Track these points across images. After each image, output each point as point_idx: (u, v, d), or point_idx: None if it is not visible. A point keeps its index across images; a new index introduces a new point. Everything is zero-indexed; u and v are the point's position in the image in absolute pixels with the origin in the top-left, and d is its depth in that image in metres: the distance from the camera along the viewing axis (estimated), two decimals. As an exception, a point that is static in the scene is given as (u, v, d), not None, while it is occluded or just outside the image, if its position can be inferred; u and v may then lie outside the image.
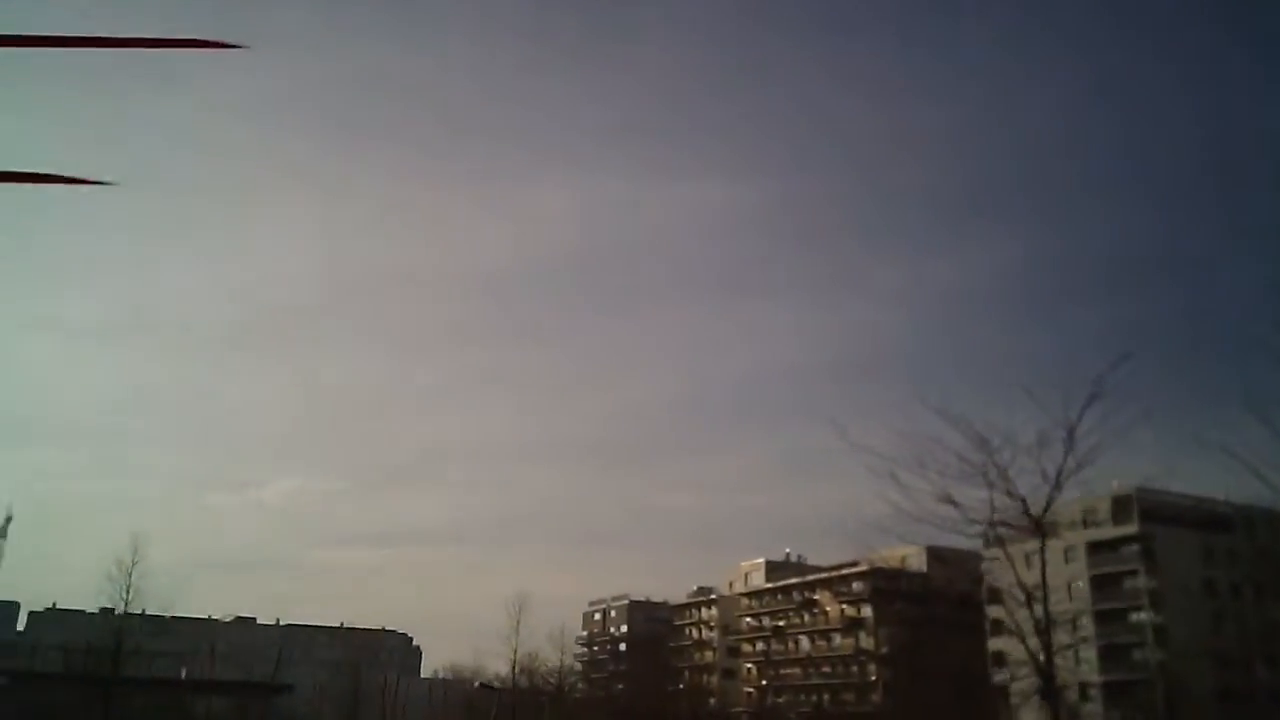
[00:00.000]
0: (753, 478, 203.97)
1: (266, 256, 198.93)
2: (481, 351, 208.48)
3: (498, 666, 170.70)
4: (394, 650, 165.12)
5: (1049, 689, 18.78)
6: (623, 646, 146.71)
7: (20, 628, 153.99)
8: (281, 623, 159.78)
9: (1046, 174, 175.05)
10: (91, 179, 2.76)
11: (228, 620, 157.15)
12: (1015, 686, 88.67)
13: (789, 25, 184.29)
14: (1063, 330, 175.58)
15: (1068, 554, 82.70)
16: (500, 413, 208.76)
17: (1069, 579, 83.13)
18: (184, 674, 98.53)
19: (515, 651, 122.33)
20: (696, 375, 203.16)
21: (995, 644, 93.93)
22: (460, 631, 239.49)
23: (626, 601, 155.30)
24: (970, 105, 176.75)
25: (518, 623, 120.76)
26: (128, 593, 62.83)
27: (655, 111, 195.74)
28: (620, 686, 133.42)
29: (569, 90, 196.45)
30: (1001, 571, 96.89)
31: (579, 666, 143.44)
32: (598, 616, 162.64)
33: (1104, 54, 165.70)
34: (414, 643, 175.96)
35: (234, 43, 2.64)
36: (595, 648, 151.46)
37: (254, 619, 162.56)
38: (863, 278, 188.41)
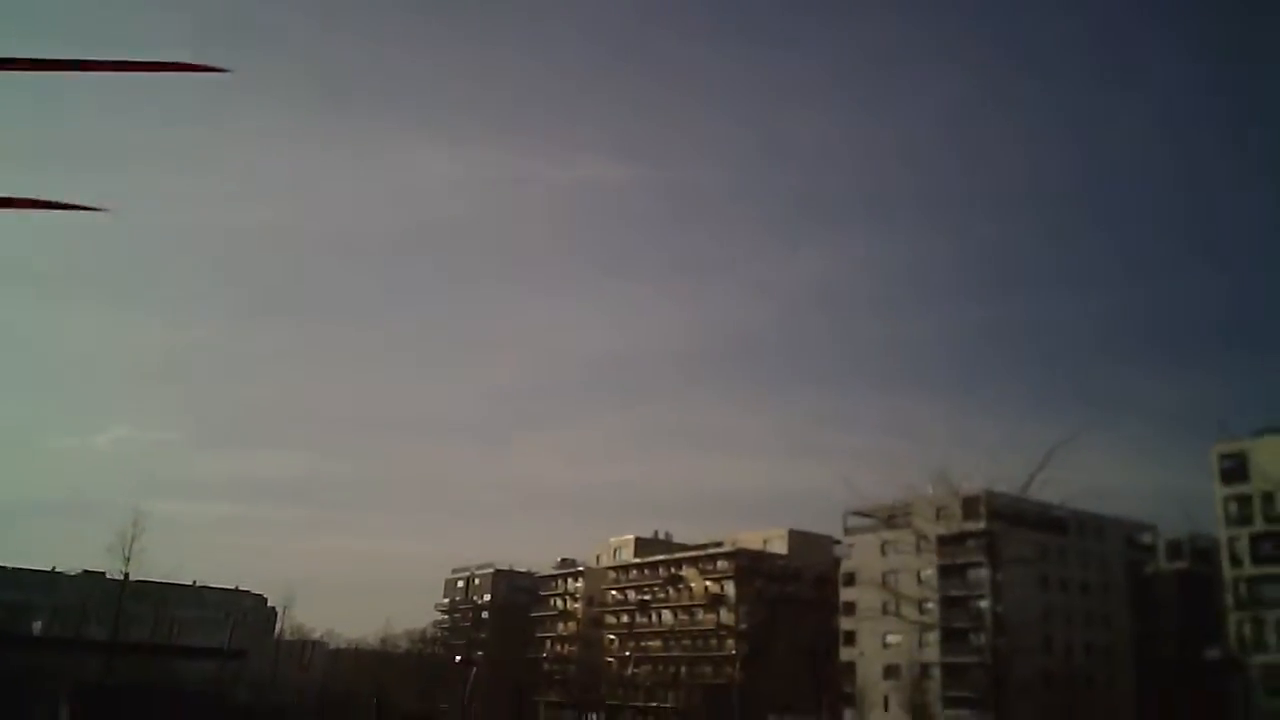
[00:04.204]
0: (615, 453, 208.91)
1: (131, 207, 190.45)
2: (341, 316, 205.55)
3: (350, 630, 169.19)
4: (248, 610, 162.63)
5: (993, 688, 21.70)
6: (485, 614, 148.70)
7: None
8: (132, 578, 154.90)
9: (922, 180, 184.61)
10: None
11: (74, 574, 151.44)
12: (861, 664, 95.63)
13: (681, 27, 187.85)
14: (922, 324, 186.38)
15: (920, 545, 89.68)
16: (361, 381, 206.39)
17: (919, 567, 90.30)
18: (37, 629, 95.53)
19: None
20: (561, 353, 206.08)
21: (846, 624, 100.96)
22: (306, 592, 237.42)
23: (491, 570, 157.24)
24: (846, 113, 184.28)
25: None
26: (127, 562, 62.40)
27: (546, 89, 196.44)
28: (480, 653, 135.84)
29: (437, 63, 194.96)
30: (859, 555, 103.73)
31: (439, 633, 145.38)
32: (460, 584, 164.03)
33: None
34: (269, 603, 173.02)
35: (218, 67, 2.60)
36: (457, 614, 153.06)
37: (103, 573, 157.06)
38: (732, 266, 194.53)
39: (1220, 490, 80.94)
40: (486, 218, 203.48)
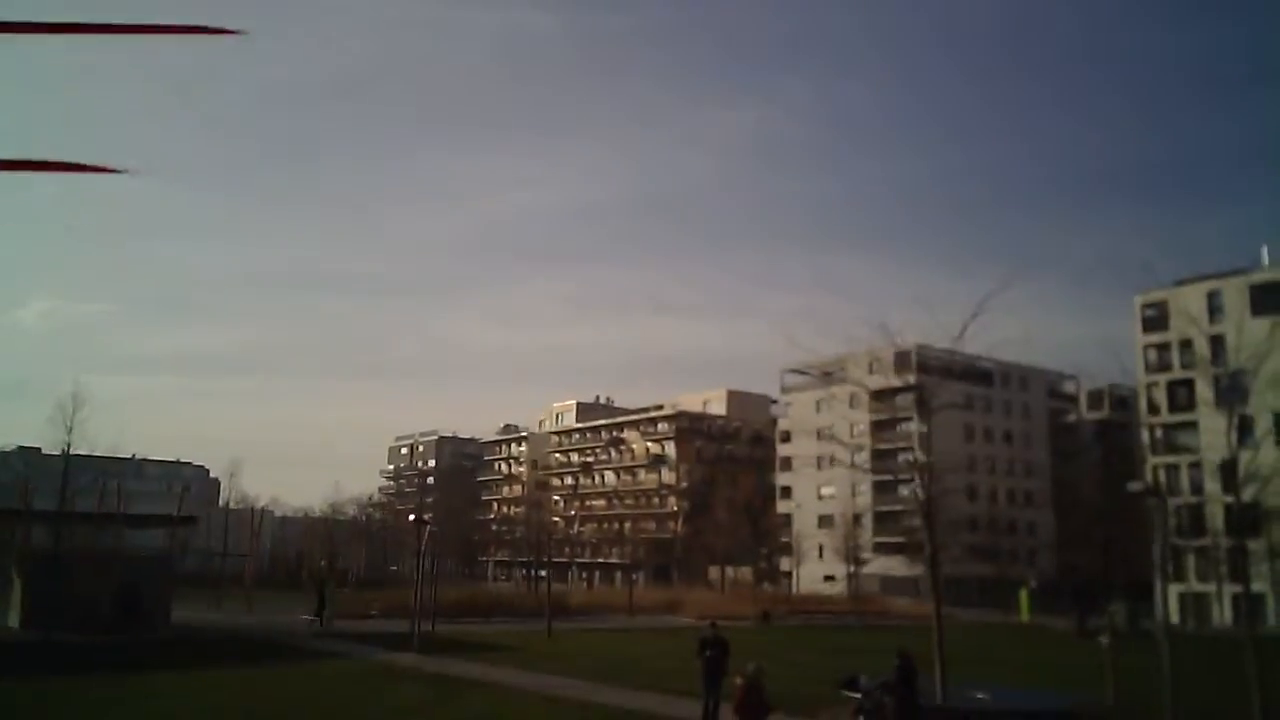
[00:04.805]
0: (551, 316, 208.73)
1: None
2: (267, 175, 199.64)
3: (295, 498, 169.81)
4: (191, 481, 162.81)
5: (926, 529, 22.42)
6: (430, 480, 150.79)
7: None
8: (71, 452, 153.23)
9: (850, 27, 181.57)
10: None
11: (9, 449, 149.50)
12: (797, 515, 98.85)
13: None
14: (853, 180, 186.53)
15: (853, 400, 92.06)
16: (286, 242, 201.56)
17: (853, 421, 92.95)
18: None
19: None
20: (492, 211, 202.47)
21: (783, 478, 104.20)
22: (249, 463, 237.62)
23: (435, 437, 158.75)
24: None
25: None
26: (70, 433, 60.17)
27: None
28: (429, 515, 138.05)
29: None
30: (795, 412, 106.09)
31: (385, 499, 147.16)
32: (405, 451, 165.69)
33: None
34: (211, 474, 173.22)
35: (232, 29, 2.61)
36: (403, 480, 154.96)
37: (38, 449, 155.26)
38: (664, 120, 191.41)
39: (1141, 338, 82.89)
40: (412, 66, 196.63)
